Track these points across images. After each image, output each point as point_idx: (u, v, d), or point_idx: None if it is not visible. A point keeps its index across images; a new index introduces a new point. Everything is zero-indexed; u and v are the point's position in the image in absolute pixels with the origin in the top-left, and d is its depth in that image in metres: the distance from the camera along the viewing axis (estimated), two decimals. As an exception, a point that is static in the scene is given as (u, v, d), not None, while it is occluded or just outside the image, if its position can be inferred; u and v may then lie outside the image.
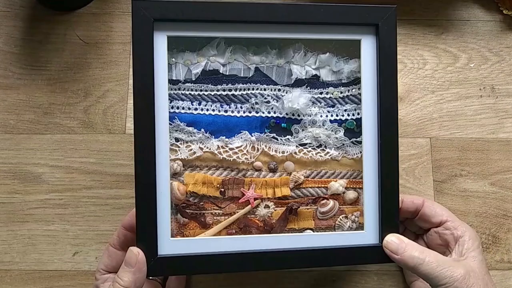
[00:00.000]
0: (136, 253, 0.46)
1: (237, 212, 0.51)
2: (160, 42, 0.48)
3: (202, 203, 0.51)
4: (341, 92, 0.52)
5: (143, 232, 0.47)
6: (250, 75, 0.51)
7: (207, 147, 0.51)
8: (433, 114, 0.63)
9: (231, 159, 0.51)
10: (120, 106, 0.62)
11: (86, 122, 0.61)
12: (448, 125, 0.62)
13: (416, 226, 0.55)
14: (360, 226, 0.51)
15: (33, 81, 0.62)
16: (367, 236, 0.50)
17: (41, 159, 0.61)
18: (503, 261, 0.60)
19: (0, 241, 0.59)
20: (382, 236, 0.50)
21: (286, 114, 0.52)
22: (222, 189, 0.51)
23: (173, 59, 0.50)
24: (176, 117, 0.51)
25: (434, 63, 0.64)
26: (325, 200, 0.52)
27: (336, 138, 0.52)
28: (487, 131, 0.62)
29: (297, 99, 0.51)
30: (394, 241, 0.48)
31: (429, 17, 0.64)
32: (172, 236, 0.49)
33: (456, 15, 0.65)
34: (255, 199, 0.51)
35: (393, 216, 0.50)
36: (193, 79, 0.51)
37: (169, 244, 0.48)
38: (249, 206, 0.51)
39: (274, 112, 0.52)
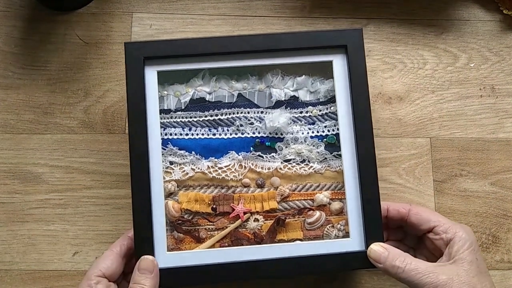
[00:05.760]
0: (152, 259, 0.50)
1: (229, 226, 0.54)
2: (151, 77, 0.53)
3: (195, 219, 0.54)
4: (320, 110, 0.56)
5: (141, 248, 0.50)
6: (234, 101, 0.56)
7: (199, 168, 0.55)
8: (433, 114, 0.63)
9: (221, 177, 0.55)
10: (120, 106, 0.62)
11: (86, 122, 0.61)
12: (448, 125, 0.62)
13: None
14: (347, 234, 0.53)
15: (33, 81, 0.62)
16: (353, 243, 0.52)
17: (41, 159, 0.61)
18: (503, 261, 0.60)
19: (0, 241, 0.59)
20: (367, 243, 0.51)
21: (270, 133, 0.55)
22: (214, 206, 0.54)
23: (165, 91, 0.55)
24: (169, 142, 0.55)
25: (434, 63, 0.64)
26: (311, 211, 0.54)
27: (318, 152, 0.55)
28: (487, 131, 0.62)
29: (278, 118, 0.55)
30: (377, 250, 0.50)
31: (429, 17, 0.64)
32: (168, 251, 0.52)
33: (456, 15, 0.65)
34: (244, 213, 0.54)
35: (377, 224, 0.51)
36: (183, 107, 0.55)
37: (166, 258, 0.51)
38: (239, 220, 0.54)
39: (258, 132, 0.56)
